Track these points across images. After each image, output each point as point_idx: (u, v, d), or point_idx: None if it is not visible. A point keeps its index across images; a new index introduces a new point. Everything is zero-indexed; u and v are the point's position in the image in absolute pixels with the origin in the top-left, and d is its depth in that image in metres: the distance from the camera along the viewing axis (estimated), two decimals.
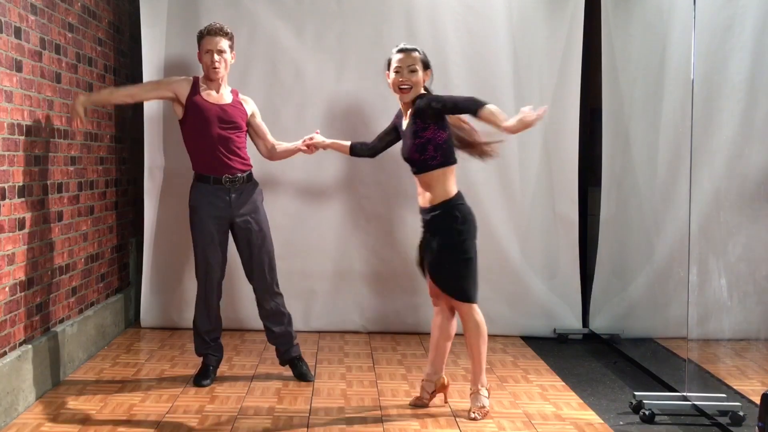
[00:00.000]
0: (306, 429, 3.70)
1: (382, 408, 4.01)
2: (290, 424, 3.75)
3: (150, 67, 5.37)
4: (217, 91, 4.31)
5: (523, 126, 3.51)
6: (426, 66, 3.90)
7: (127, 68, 5.58)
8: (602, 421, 3.87)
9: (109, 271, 5.28)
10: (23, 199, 3.91)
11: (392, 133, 4.15)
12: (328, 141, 4.40)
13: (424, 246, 3.94)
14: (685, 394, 4.01)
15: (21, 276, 3.89)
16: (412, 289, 5.51)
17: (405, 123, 3.94)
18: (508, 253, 5.50)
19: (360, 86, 5.46)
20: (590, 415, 3.96)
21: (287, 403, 4.05)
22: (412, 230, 5.44)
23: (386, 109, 5.17)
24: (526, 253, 5.56)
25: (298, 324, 4.62)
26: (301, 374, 4.45)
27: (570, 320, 5.58)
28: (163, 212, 5.49)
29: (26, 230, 3.94)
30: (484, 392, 3.92)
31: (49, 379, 4.15)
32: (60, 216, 4.39)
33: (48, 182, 4.22)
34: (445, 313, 3.98)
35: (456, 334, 4.07)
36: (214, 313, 4.39)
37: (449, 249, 3.81)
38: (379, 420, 3.83)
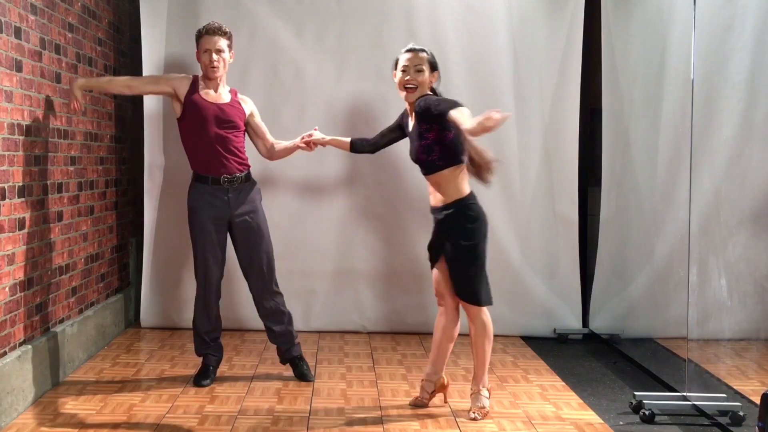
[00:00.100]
0: (306, 429, 3.70)
1: (382, 408, 4.01)
2: (290, 424, 3.75)
3: (150, 67, 5.37)
4: (216, 91, 4.31)
5: (482, 129, 3.27)
6: (433, 68, 3.89)
7: (127, 68, 5.57)
8: (602, 421, 3.87)
9: (109, 271, 5.28)
10: (23, 199, 3.91)
11: (396, 132, 4.14)
12: (328, 138, 4.39)
13: (435, 246, 3.92)
14: (685, 394, 4.01)
15: (21, 276, 3.89)
16: (412, 289, 5.51)
17: (411, 124, 3.93)
18: (508, 253, 5.50)
19: (360, 86, 5.46)
20: (590, 415, 3.96)
21: (287, 403, 4.05)
22: (413, 230, 5.47)
23: (386, 109, 5.18)
24: (526, 253, 5.56)
25: (298, 324, 4.62)
26: (302, 374, 4.45)
27: (570, 320, 5.58)
28: (163, 212, 5.49)
29: (26, 230, 3.94)
30: (485, 393, 3.92)
31: (48, 379, 4.15)
32: (60, 216, 4.39)
33: (48, 182, 4.22)
34: (450, 314, 3.96)
35: (459, 334, 4.06)
36: (213, 313, 4.39)
37: (462, 251, 3.79)
38: (379, 420, 3.83)
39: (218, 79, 4.30)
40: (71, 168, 4.55)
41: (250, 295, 4.49)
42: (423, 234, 5.38)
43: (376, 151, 4.34)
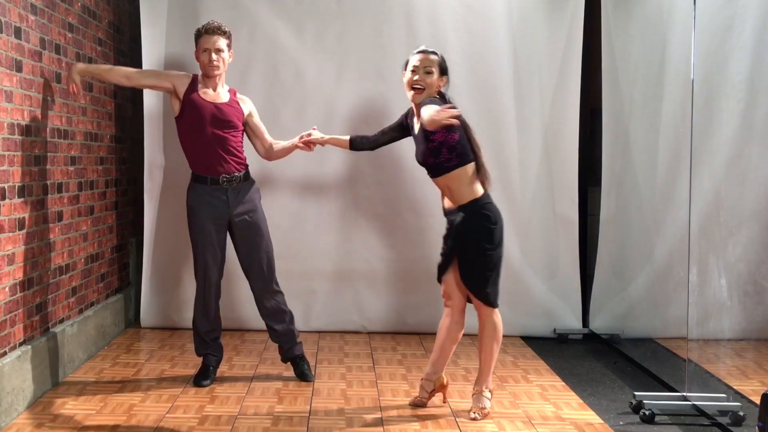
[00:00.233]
0: (306, 429, 3.69)
1: (382, 408, 4.01)
2: (290, 425, 3.74)
3: (150, 67, 5.35)
4: (214, 90, 4.30)
5: (430, 120, 3.48)
6: (443, 71, 3.87)
7: None
8: (602, 421, 3.87)
9: (109, 271, 5.28)
10: (23, 199, 3.91)
11: (398, 130, 4.12)
12: (327, 137, 4.38)
13: (451, 249, 3.86)
14: (685, 394, 4.01)
15: (21, 276, 3.89)
16: (412, 289, 5.51)
17: (417, 126, 3.92)
18: (508, 253, 5.45)
19: (360, 86, 5.46)
20: (590, 415, 3.96)
21: (287, 404, 4.05)
22: (413, 230, 5.48)
23: (386, 109, 5.19)
24: (526, 253, 5.56)
25: (298, 324, 4.62)
26: (302, 374, 4.45)
27: (570, 320, 5.58)
28: (163, 212, 5.49)
29: (26, 230, 3.94)
30: (487, 394, 3.92)
31: (48, 379, 4.15)
32: (60, 216, 4.39)
33: (48, 182, 4.22)
34: (456, 315, 3.94)
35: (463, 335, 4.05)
36: (213, 314, 4.39)
37: (482, 251, 3.78)
38: (379, 420, 3.83)
39: (217, 79, 4.30)
40: (71, 168, 4.55)
41: (250, 295, 4.49)
42: (423, 234, 5.43)
43: (377, 148, 4.30)
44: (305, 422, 3.78)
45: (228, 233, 4.37)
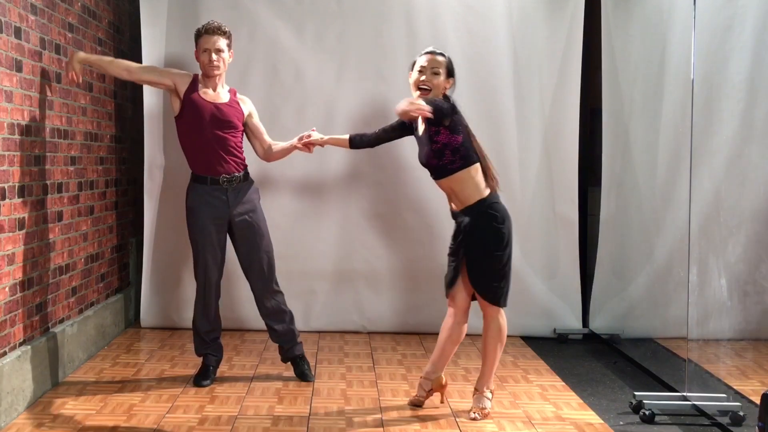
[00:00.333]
0: (306, 429, 3.69)
1: (382, 408, 4.01)
2: (290, 425, 3.74)
3: None
4: (214, 90, 4.30)
5: (399, 110, 3.64)
6: (450, 73, 3.87)
7: None
8: (602, 421, 3.87)
9: (109, 271, 5.28)
10: (23, 199, 3.91)
11: (398, 130, 4.11)
12: (326, 137, 4.37)
13: (459, 250, 3.85)
14: (685, 394, 4.01)
15: (21, 276, 3.89)
16: (413, 289, 5.52)
17: (421, 128, 3.92)
18: None
19: (360, 86, 5.46)
20: (590, 415, 3.96)
21: (287, 404, 4.05)
22: (413, 230, 5.48)
23: (386, 109, 5.17)
24: (526, 253, 5.56)
25: (298, 324, 4.62)
26: (302, 374, 4.45)
27: (570, 320, 5.58)
28: (163, 212, 5.49)
29: (26, 230, 3.94)
30: (488, 394, 3.92)
31: (48, 379, 4.15)
32: (60, 216, 4.39)
33: (48, 182, 4.22)
34: (459, 316, 3.93)
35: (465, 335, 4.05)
36: (213, 314, 4.39)
37: (491, 252, 3.78)
38: (379, 420, 3.83)
39: (217, 79, 4.29)
40: (71, 168, 4.55)
41: (250, 295, 4.49)
42: (423, 234, 5.43)
43: (377, 145, 4.27)
44: (305, 422, 3.78)
45: (228, 233, 4.37)
